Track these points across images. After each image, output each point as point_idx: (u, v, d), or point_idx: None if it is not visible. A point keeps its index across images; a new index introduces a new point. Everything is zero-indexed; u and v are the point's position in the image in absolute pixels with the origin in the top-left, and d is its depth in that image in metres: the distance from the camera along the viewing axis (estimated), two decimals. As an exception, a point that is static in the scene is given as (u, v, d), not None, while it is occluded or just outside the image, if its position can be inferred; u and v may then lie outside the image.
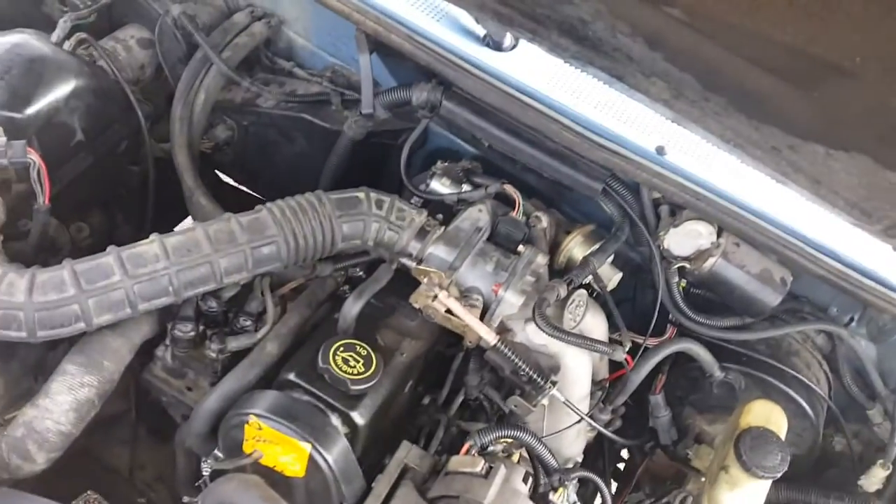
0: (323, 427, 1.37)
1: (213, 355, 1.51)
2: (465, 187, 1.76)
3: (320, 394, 1.41)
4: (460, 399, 1.64)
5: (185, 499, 1.55)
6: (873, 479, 1.65)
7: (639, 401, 1.76)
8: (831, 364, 1.79)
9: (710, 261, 1.66)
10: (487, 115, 1.70)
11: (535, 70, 1.73)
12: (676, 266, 1.69)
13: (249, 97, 2.01)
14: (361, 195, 1.61)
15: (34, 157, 1.43)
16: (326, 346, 1.44)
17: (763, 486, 1.50)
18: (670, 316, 1.73)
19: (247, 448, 1.37)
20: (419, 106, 1.75)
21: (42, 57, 1.62)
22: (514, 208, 1.71)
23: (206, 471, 1.49)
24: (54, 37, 1.71)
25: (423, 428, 1.64)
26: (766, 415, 1.57)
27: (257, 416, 1.35)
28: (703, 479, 1.62)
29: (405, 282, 1.59)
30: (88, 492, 2.17)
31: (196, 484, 1.54)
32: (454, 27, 1.73)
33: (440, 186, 1.77)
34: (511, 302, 1.53)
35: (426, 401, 1.68)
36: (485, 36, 1.74)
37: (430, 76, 1.74)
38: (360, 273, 1.74)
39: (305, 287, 1.68)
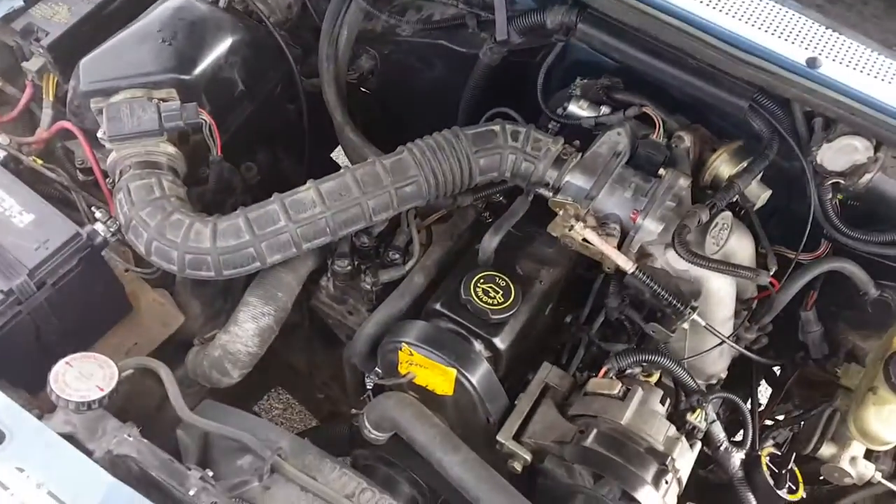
0: (467, 353, 1.50)
1: (368, 287, 1.67)
2: (604, 109, 1.75)
3: (464, 322, 1.54)
4: (601, 319, 1.71)
5: (353, 411, 1.77)
6: None
7: (790, 315, 1.75)
8: None
9: (867, 176, 1.58)
10: (625, 35, 1.65)
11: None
12: (831, 182, 1.61)
13: (389, 26, 2.06)
14: (497, 128, 1.65)
15: (205, 116, 1.60)
16: (468, 278, 1.54)
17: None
18: (824, 230, 1.67)
19: (402, 369, 1.54)
20: (554, 29, 1.73)
21: (202, 18, 1.76)
22: (654, 129, 1.68)
23: (369, 384, 1.68)
24: (210, -6, 1.84)
25: (566, 346, 1.73)
26: (925, 336, 1.52)
27: (408, 343, 1.50)
28: (851, 397, 1.61)
29: (543, 209, 1.64)
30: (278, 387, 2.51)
31: (362, 397, 1.75)
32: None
33: (578, 109, 1.77)
34: (650, 229, 1.54)
35: (568, 319, 1.76)
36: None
37: None
38: (501, 199, 1.81)
39: (449, 216, 1.78)
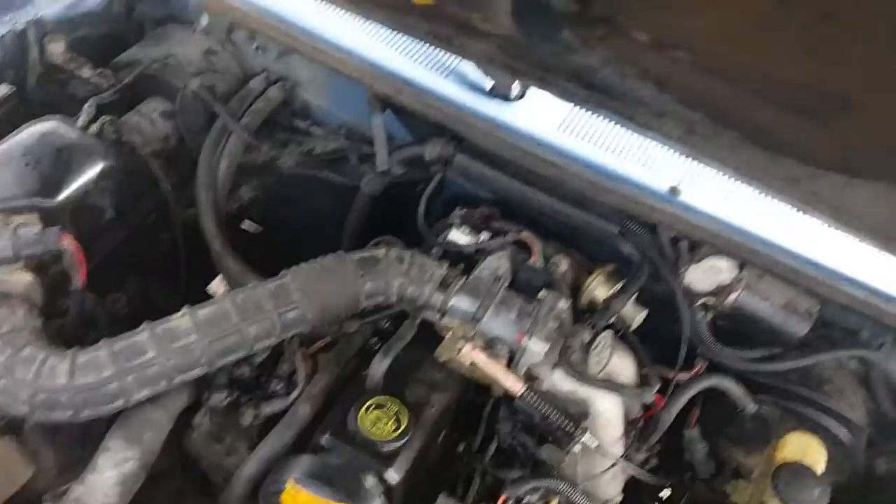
0: (358, 490, 1.40)
1: (249, 422, 1.55)
2: (484, 236, 1.79)
3: (354, 454, 1.44)
4: (494, 446, 1.66)
5: None
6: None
7: (674, 435, 1.76)
8: (867, 388, 1.77)
9: (733, 295, 1.67)
10: (500, 166, 1.74)
11: (544, 117, 1.77)
12: (700, 302, 1.70)
13: (271, 158, 2.07)
14: (382, 253, 1.65)
15: (67, 243, 1.50)
16: (356, 407, 1.47)
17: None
18: (698, 349, 1.74)
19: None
20: (432, 161, 1.79)
21: (69, 144, 1.69)
22: (532, 254, 1.73)
23: None
24: (80, 121, 1.78)
25: (460, 476, 1.66)
26: (802, 448, 1.56)
27: (294, 481, 1.38)
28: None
29: (431, 334, 1.62)
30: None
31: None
32: (461, 82, 1.78)
33: (459, 236, 1.80)
34: (536, 350, 1.55)
35: (461, 448, 1.70)
36: (492, 88, 1.78)
37: (442, 131, 1.78)
38: (387, 325, 1.78)
39: (335, 343, 1.72)
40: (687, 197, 1.66)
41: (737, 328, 1.74)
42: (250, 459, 1.50)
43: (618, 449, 1.61)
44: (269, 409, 1.56)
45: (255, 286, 1.55)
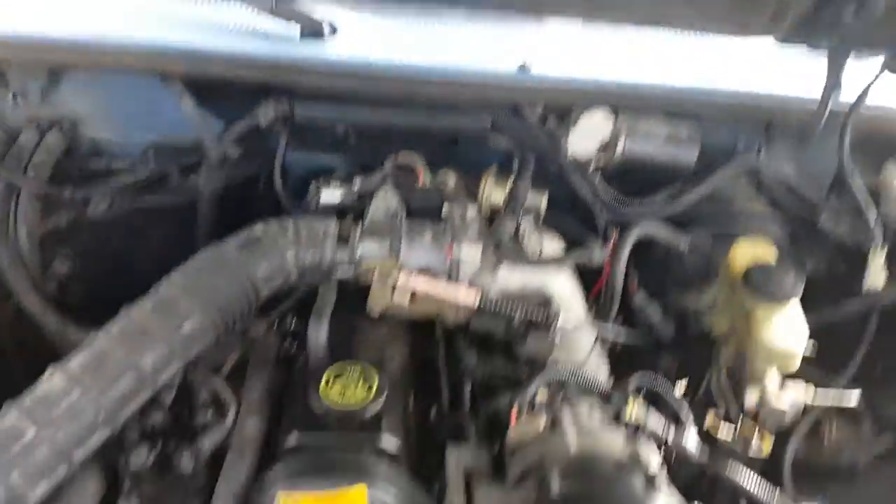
0: (362, 464, 1.13)
1: (190, 468, 1.21)
2: (357, 181, 1.59)
3: (335, 437, 1.17)
4: (468, 387, 1.45)
5: None
6: (876, 269, 1.63)
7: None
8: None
9: (619, 145, 1.61)
10: (344, 103, 1.57)
11: (367, 43, 1.64)
12: (592, 168, 1.63)
13: (76, 214, 1.72)
14: (259, 229, 1.40)
15: None
16: (313, 387, 1.20)
17: (795, 305, 1.44)
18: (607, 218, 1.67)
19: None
20: (270, 126, 1.58)
21: None
22: (417, 180, 1.57)
23: None
24: None
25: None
26: (752, 250, 1.52)
27: (283, 489, 1.09)
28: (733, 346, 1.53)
29: (343, 304, 1.40)
30: None
31: None
32: (267, 38, 1.61)
33: (332, 194, 1.59)
34: (470, 255, 1.39)
35: (433, 415, 1.47)
36: (302, 31, 1.62)
37: (264, 94, 1.59)
38: (297, 327, 1.51)
39: (247, 360, 1.43)
40: (537, 70, 1.61)
41: (633, 180, 1.69)
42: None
43: (591, 325, 1.47)
44: (209, 441, 1.23)
45: (126, 312, 1.24)
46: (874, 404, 1.66)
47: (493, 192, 1.62)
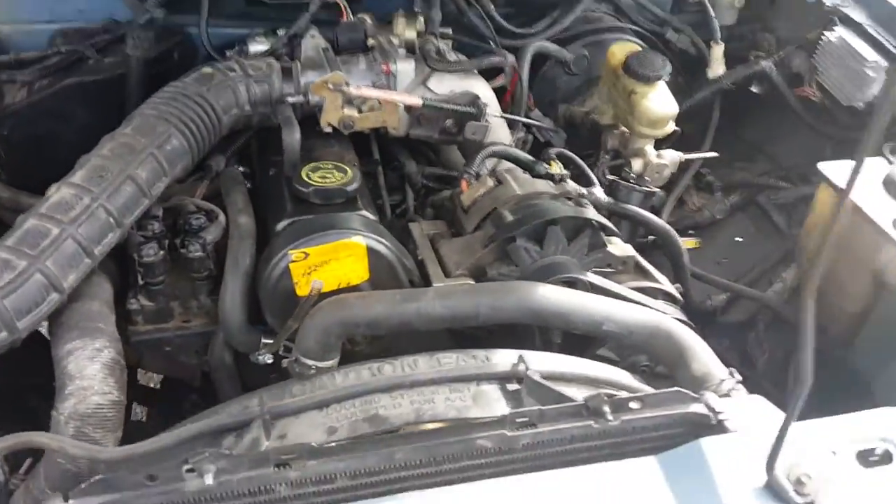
0: (357, 220, 1.32)
1: (199, 254, 1.34)
2: (280, 32, 1.72)
3: (325, 211, 1.35)
4: (411, 188, 1.66)
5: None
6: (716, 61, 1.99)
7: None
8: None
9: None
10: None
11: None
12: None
13: (-7, 104, 1.73)
14: (208, 68, 1.52)
15: None
16: (296, 175, 1.36)
17: (663, 85, 1.76)
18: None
19: (301, 290, 1.26)
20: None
21: None
22: (342, 14, 1.73)
23: (266, 358, 1.33)
24: None
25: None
26: (625, 48, 1.82)
27: (292, 249, 1.25)
28: (618, 129, 1.84)
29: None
30: None
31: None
32: None
33: (259, 46, 1.71)
34: (406, 69, 1.60)
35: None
36: None
37: None
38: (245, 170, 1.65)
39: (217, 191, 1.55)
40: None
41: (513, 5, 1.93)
42: (229, 281, 1.31)
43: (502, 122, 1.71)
44: (211, 234, 1.36)
45: (112, 135, 1.33)
46: (721, 174, 2.06)
47: (407, 31, 1.80)
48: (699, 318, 1.51)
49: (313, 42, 1.66)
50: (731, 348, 1.78)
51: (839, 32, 1.85)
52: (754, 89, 2.02)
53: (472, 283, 1.32)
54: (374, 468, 0.89)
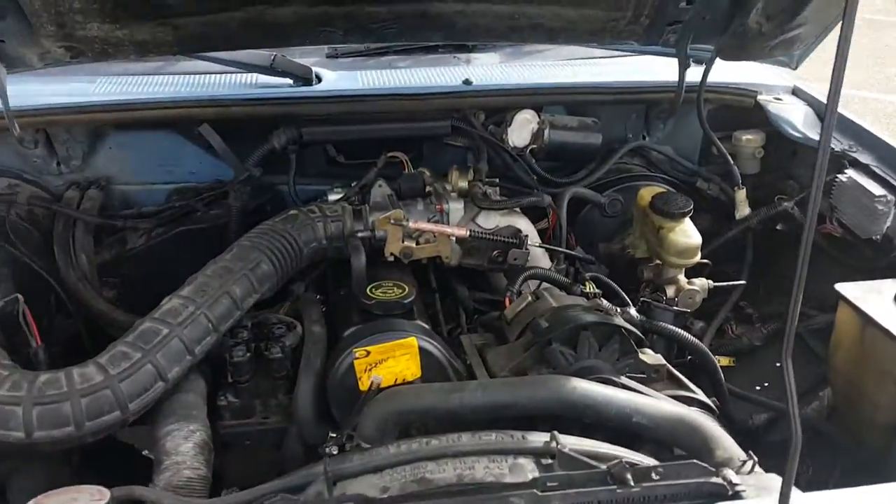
0: (412, 326, 1.55)
1: (279, 355, 1.57)
2: (354, 184, 2.04)
3: (384, 316, 1.60)
4: (463, 311, 1.88)
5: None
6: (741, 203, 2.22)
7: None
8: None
9: (545, 134, 2.16)
10: (339, 121, 2.06)
11: (346, 83, 2.16)
12: (528, 150, 2.16)
13: (117, 250, 2.08)
14: (294, 211, 1.83)
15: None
16: (361, 291, 1.62)
17: (688, 220, 1.98)
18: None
19: (363, 385, 1.46)
20: (282, 147, 2.03)
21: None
22: (404, 167, 2.05)
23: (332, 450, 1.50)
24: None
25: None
26: (653, 190, 2.07)
27: (356, 347, 1.48)
28: (651, 262, 2.04)
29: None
30: None
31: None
32: (265, 87, 2.09)
33: (336, 195, 2.02)
34: (456, 207, 1.88)
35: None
36: (294, 79, 2.12)
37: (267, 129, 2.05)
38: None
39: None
40: (477, 82, 2.16)
41: (555, 159, 2.22)
42: (303, 380, 1.52)
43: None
44: (291, 338, 1.60)
45: (213, 261, 1.62)
46: (758, 306, 2.21)
47: (460, 182, 2.10)
48: (743, 437, 1.62)
49: (380, 190, 1.97)
50: (774, 468, 1.85)
51: (850, 174, 2.05)
52: (779, 227, 2.21)
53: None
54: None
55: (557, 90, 2.18)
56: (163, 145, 2.15)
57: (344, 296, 1.77)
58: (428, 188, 1.98)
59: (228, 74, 2.18)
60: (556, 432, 1.23)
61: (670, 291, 1.96)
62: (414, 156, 2.14)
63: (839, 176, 2.08)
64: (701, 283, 1.97)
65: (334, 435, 1.48)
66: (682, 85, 2.13)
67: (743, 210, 2.23)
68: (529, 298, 1.65)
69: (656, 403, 1.37)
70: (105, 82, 2.13)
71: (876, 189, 1.97)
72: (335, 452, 1.48)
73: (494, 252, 1.86)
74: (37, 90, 2.01)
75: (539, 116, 2.17)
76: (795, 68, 2.26)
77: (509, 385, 1.39)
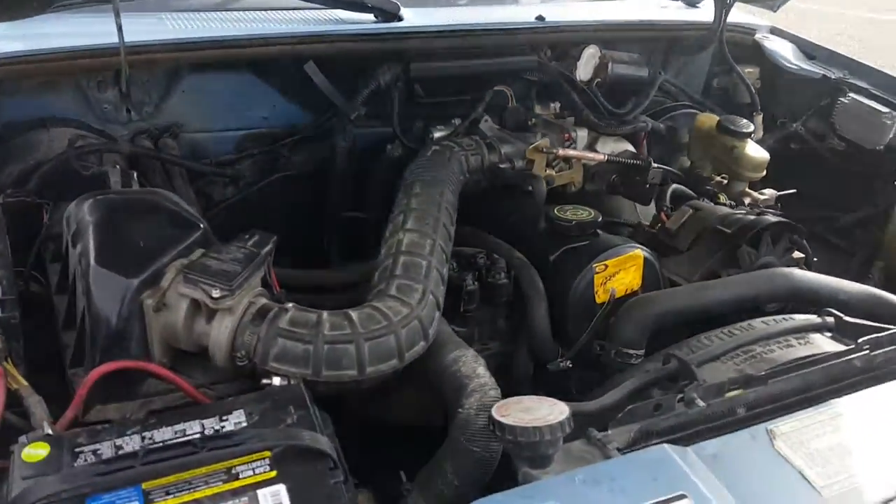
0: (622, 240, 1.66)
1: (505, 281, 1.62)
2: (455, 120, 2.03)
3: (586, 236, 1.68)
4: None
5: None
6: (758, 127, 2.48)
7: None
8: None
9: (609, 67, 2.27)
10: (440, 57, 2.03)
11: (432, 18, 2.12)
12: (595, 83, 2.26)
13: (204, 202, 1.90)
14: (437, 147, 1.80)
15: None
16: (552, 213, 1.71)
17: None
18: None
19: (599, 298, 1.53)
20: (388, 84, 1.96)
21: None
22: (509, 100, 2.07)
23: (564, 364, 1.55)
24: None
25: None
26: (709, 117, 2.28)
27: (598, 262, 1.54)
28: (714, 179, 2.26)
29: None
30: None
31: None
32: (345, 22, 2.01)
33: (441, 132, 1.99)
34: (582, 135, 1.96)
35: None
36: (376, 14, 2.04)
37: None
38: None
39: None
40: (550, 19, 2.22)
41: (615, 93, 2.35)
42: (533, 301, 1.57)
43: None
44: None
45: (405, 194, 1.60)
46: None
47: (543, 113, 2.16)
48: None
49: (488, 125, 1.98)
50: None
51: (852, 96, 2.40)
52: (793, 146, 2.52)
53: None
54: (798, 389, 1.16)
55: (619, 26, 2.31)
56: (236, 88, 1.97)
57: (514, 223, 1.78)
58: (532, 120, 2.02)
59: (297, 10, 2.04)
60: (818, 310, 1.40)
61: (747, 201, 2.19)
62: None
63: (842, 98, 2.42)
64: (770, 192, 2.22)
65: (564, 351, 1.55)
66: (718, 22, 2.35)
67: (759, 133, 2.51)
68: (690, 211, 1.78)
69: (851, 284, 1.58)
70: (172, 19, 1.90)
71: (880, 107, 2.33)
72: (569, 366, 1.54)
73: (613, 176, 1.97)
74: (102, 30, 1.76)
75: (601, 51, 2.28)
76: (776, 11, 2.59)
77: (749, 280, 1.53)
